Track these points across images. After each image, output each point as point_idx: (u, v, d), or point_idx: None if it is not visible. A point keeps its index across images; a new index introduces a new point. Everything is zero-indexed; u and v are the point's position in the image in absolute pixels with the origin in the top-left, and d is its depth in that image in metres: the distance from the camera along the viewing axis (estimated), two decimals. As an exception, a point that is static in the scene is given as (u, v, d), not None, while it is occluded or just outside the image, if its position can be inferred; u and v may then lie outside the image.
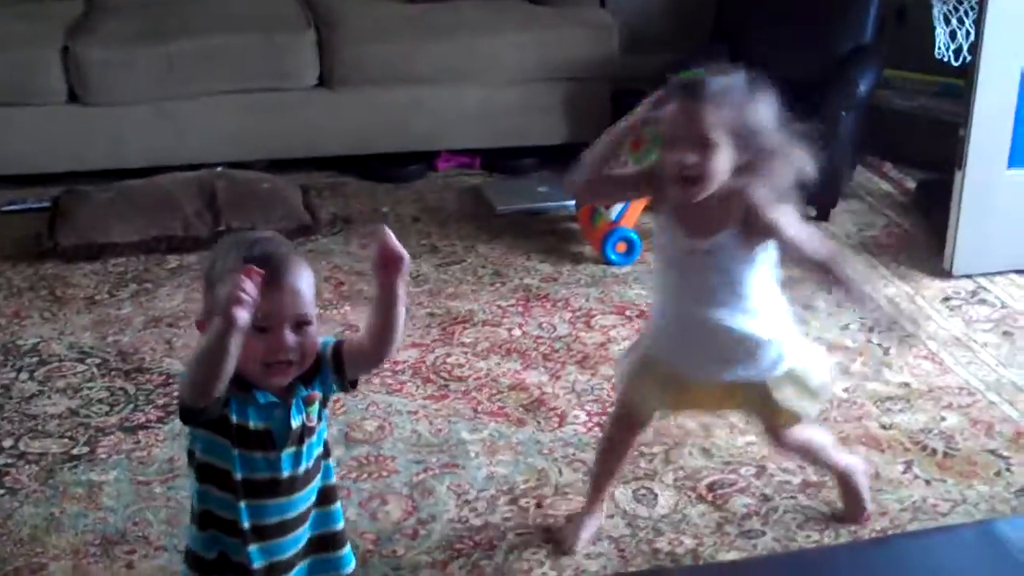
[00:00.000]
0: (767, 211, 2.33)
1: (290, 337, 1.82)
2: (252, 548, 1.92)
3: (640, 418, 2.69)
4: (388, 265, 1.85)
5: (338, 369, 1.93)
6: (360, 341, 1.95)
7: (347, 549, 2.07)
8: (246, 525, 1.91)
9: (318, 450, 1.97)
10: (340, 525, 2.04)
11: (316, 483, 1.98)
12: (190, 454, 1.95)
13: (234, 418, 1.86)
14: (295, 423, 1.90)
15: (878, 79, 4.66)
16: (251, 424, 1.87)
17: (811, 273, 2.53)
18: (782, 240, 2.36)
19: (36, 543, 2.72)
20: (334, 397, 2.10)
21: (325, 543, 2.02)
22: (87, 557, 2.67)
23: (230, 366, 1.74)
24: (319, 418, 1.96)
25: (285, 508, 1.93)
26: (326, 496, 2.01)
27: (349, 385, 1.97)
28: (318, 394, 1.94)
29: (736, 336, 2.43)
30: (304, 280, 1.86)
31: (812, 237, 2.41)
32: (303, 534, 1.98)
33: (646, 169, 2.54)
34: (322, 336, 1.94)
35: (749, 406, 2.61)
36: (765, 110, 2.30)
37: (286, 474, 1.91)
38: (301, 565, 2.00)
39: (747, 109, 2.28)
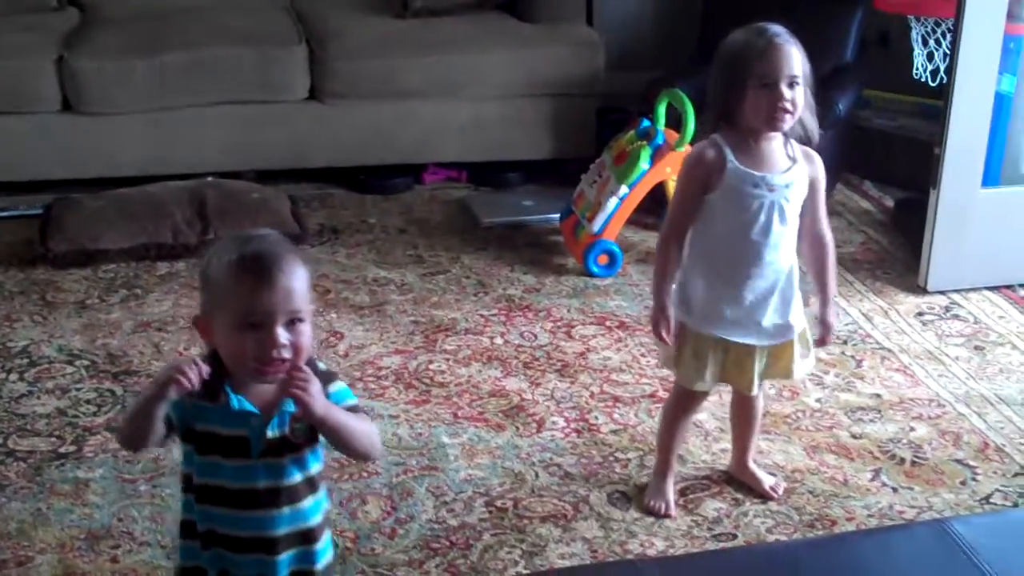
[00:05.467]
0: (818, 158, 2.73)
1: (282, 334, 1.82)
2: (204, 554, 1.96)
3: (700, 396, 2.90)
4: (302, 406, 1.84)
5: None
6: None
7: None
8: (201, 529, 1.95)
9: (301, 473, 1.95)
10: (320, 564, 2.01)
11: (302, 507, 1.96)
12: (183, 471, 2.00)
13: (198, 426, 1.91)
14: (271, 433, 1.89)
15: (858, 99, 4.75)
16: (223, 431, 1.90)
17: (807, 250, 2.76)
18: (815, 192, 2.72)
19: (23, 537, 2.77)
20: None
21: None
22: (73, 551, 2.72)
23: (155, 429, 1.85)
24: (307, 439, 1.93)
25: (262, 522, 1.93)
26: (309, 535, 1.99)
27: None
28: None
29: (786, 287, 2.71)
30: (297, 277, 1.85)
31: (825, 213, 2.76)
32: (282, 562, 1.96)
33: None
34: (340, 385, 1.95)
35: (765, 359, 2.80)
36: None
37: (262, 484, 1.91)
38: None
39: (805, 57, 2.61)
